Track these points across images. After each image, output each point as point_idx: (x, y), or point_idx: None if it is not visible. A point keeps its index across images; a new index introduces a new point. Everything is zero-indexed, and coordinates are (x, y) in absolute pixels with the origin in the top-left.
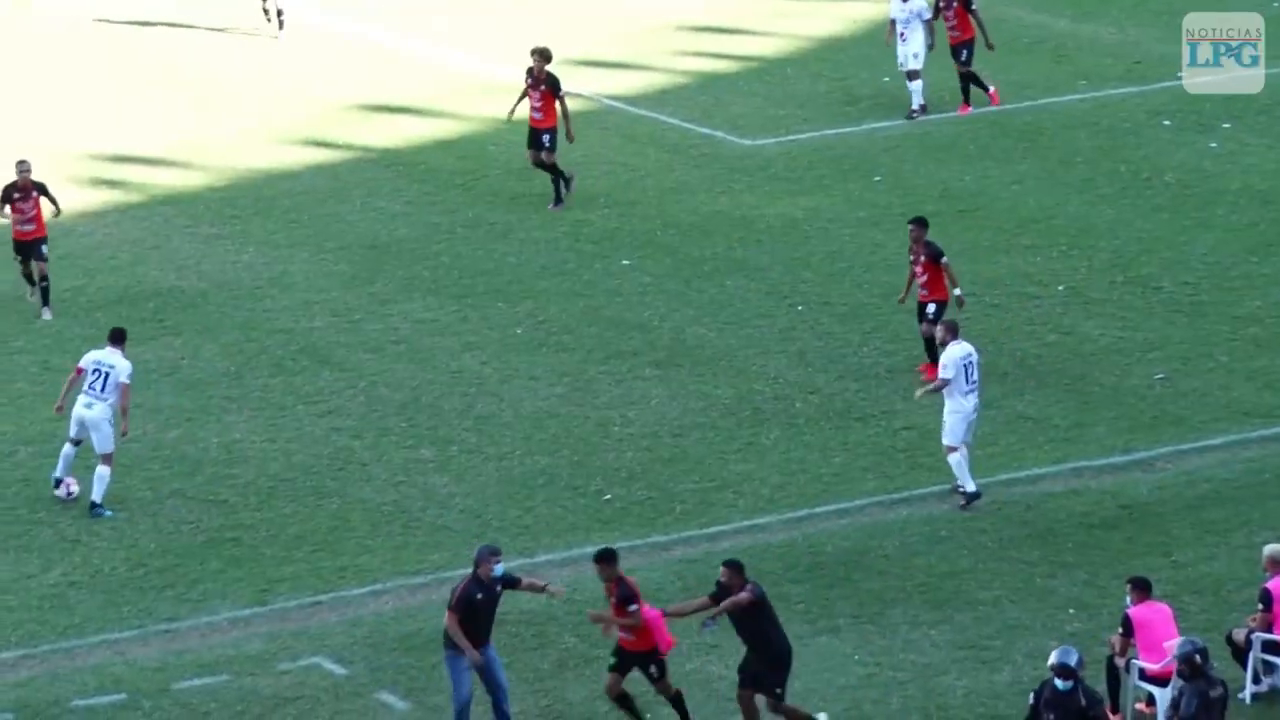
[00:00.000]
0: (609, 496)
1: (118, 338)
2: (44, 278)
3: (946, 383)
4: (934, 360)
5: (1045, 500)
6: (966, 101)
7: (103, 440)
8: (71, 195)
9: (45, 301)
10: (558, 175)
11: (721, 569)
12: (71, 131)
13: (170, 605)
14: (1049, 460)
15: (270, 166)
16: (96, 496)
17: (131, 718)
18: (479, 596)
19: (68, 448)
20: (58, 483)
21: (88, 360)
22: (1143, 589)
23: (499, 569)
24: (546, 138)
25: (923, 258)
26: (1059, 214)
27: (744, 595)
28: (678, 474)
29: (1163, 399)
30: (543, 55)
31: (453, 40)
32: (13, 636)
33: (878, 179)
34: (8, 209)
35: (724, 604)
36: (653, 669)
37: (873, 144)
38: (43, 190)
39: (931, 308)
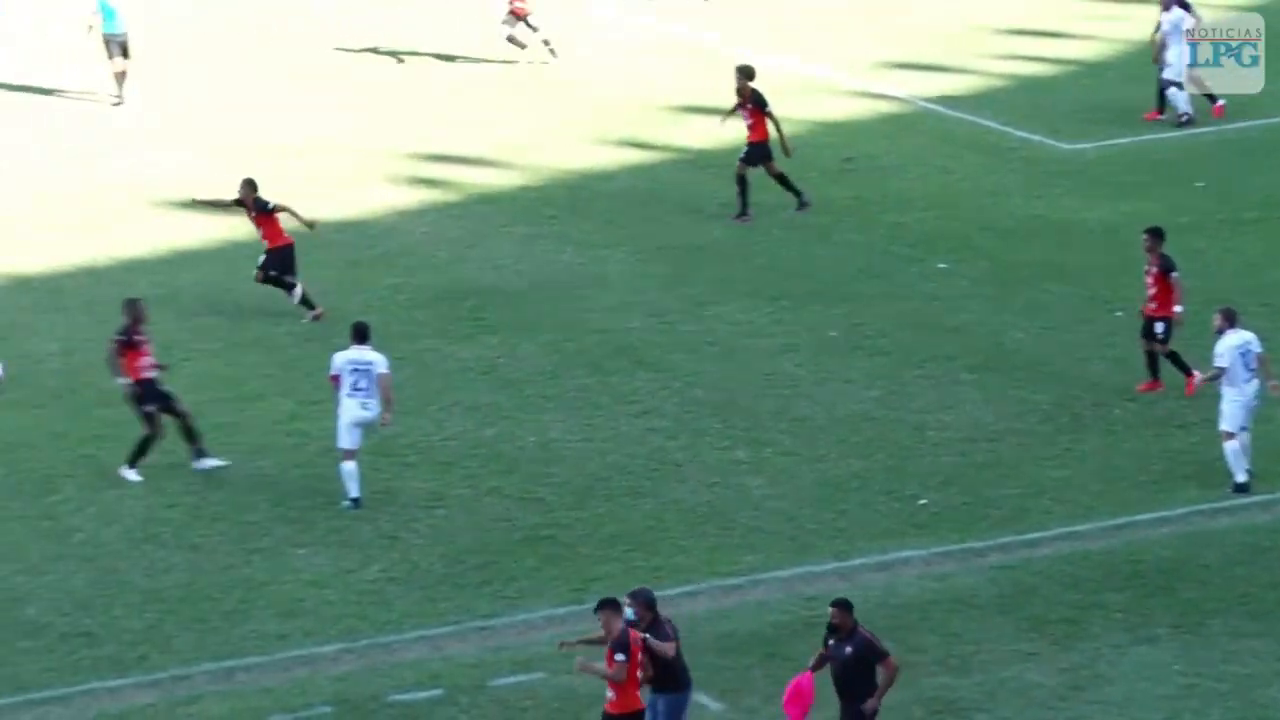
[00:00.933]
0: (924, 501)
1: (363, 335)
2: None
3: (1222, 371)
4: (1155, 376)
5: None
6: (1159, 108)
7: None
8: (389, 194)
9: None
10: (743, 189)
11: (831, 610)
12: (393, 130)
13: (487, 602)
14: None
15: (586, 167)
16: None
17: (448, 713)
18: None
19: (350, 465)
20: (356, 502)
21: (341, 364)
22: None
23: (627, 613)
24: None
25: (1155, 269)
26: None
27: (892, 660)
28: (994, 479)
29: None
30: (745, 73)
31: (770, 43)
32: (333, 630)
33: (1200, 184)
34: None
35: (882, 688)
36: None
37: (1193, 149)
38: (260, 208)
39: (1159, 326)
